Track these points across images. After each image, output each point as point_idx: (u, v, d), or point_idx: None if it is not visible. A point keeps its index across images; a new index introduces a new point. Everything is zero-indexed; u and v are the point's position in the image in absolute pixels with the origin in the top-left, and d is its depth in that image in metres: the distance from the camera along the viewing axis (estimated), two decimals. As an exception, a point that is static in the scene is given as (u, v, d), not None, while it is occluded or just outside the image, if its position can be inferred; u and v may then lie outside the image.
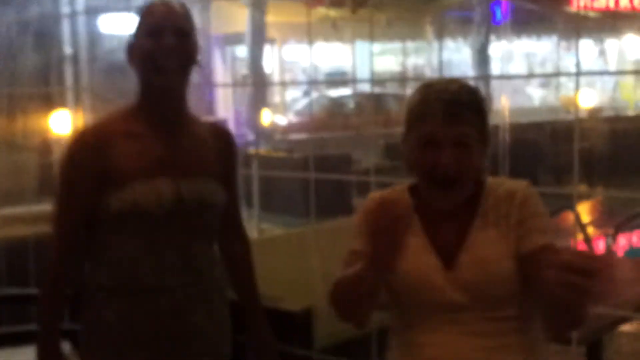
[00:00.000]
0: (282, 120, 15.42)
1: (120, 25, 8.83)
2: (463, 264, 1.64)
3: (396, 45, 18.36)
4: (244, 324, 2.11)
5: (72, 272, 1.89)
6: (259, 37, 13.40)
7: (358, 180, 8.78)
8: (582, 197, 7.74)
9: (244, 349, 2.12)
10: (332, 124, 13.82)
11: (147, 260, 1.82)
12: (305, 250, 3.15)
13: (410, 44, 18.88)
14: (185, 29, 1.86)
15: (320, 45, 16.12)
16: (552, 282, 1.26)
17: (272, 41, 15.87)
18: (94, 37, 10.46)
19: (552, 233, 1.64)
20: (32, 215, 3.91)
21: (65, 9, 10.06)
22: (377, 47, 15.47)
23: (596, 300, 1.32)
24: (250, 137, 13.17)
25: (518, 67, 18.32)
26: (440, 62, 17.07)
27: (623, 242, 5.90)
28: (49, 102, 8.06)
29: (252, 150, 10.05)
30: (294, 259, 3.11)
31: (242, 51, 15.33)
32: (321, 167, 3.15)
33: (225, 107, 15.52)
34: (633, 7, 17.43)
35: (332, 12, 15.06)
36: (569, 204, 4.79)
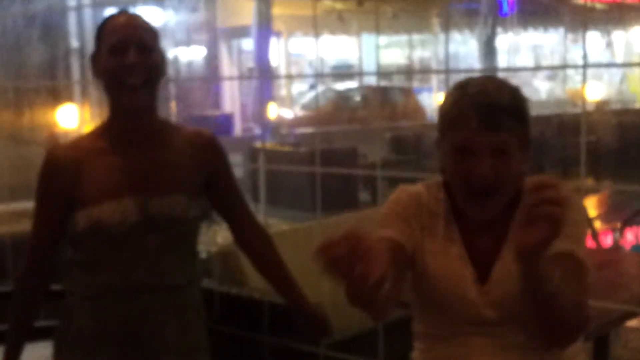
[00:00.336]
0: (288, 113, 15.41)
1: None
2: (496, 278, 1.55)
3: (402, 37, 18.32)
4: (290, 310, 2.12)
5: (42, 281, 1.94)
6: (265, 30, 13.38)
7: (365, 174, 8.80)
8: (590, 191, 7.72)
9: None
10: (339, 117, 13.81)
11: (118, 276, 1.85)
12: (312, 245, 3.14)
13: (416, 37, 18.84)
14: (149, 44, 1.83)
15: (326, 38, 16.10)
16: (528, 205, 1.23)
17: (278, 34, 15.85)
18: (101, 31, 10.44)
19: (580, 243, 1.53)
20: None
21: (71, 2, 10.05)
22: (383, 39, 15.44)
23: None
24: (257, 130, 13.18)
25: (525, 59, 18.26)
26: (447, 55, 17.02)
27: (630, 236, 5.88)
28: (56, 95, 8.07)
29: (258, 144, 10.06)
30: (301, 253, 3.10)
31: (248, 44, 15.31)
32: (328, 161, 3.15)
33: (231, 100, 15.52)
34: (640, -1, 17.35)
35: (338, 5, 15.03)
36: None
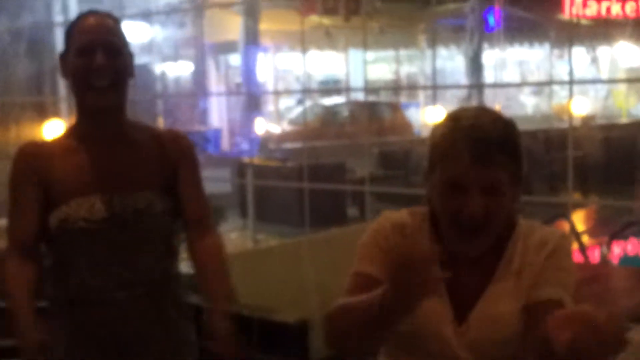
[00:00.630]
0: (275, 128, 15.41)
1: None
2: (475, 320, 1.48)
3: (389, 53, 18.39)
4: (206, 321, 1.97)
5: (34, 265, 1.88)
6: (252, 46, 13.40)
7: (353, 189, 8.80)
8: (577, 206, 7.75)
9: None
10: (326, 132, 13.82)
11: (92, 275, 1.85)
12: (301, 260, 3.14)
13: (403, 52, 18.92)
14: (117, 46, 1.86)
15: (313, 54, 16.13)
16: (551, 340, 1.14)
17: (265, 49, 15.88)
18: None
19: (569, 291, 1.47)
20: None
21: (58, 18, 10.04)
22: (370, 55, 15.48)
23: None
24: (244, 146, 13.16)
25: (511, 75, 18.36)
26: (434, 70, 17.12)
27: (617, 250, 5.90)
28: (42, 111, 8.05)
29: (246, 159, 10.04)
30: (290, 269, 3.10)
31: (235, 59, 15.32)
32: (315, 176, 3.16)
33: (219, 115, 15.51)
34: (625, 15, 17.51)
35: (325, 20, 15.08)
36: (563, 212, 4.80)
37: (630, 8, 17.31)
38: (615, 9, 17.31)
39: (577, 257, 4.66)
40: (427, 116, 14.26)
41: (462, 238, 1.46)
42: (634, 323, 2.63)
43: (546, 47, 18.81)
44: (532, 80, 18.44)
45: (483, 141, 1.41)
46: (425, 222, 1.55)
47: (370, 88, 12.82)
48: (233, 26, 13.83)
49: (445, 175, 1.44)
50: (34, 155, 1.90)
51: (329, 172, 8.54)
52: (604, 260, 4.76)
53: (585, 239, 6.67)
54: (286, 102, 17.32)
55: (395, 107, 16.12)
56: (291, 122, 15.68)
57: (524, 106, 18.96)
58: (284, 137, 14.39)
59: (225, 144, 14.59)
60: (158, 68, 13.17)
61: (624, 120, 17.95)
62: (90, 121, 1.91)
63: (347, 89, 16.11)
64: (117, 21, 1.91)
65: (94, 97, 1.85)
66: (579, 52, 18.34)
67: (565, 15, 16.62)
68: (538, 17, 16.49)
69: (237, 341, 1.93)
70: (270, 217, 8.21)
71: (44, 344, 1.79)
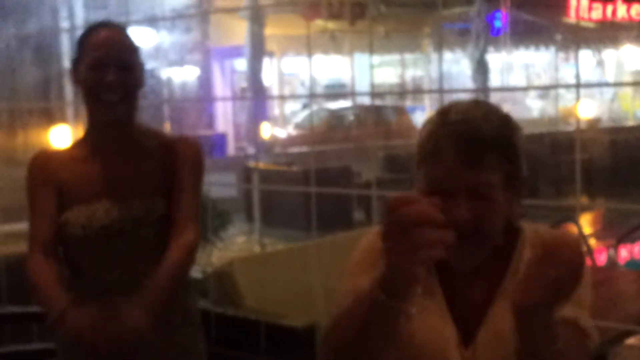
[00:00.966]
0: (281, 133, 15.43)
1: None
2: (482, 341, 1.30)
3: (395, 57, 18.40)
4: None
5: (55, 264, 1.90)
6: (258, 50, 13.42)
7: (359, 193, 8.80)
8: (584, 209, 7.73)
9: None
10: (332, 136, 13.83)
11: (93, 279, 1.89)
12: (307, 264, 3.14)
13: (408, 56, 18.93)
14: (128, 62, 1.89)
15: (319, 58, 16.15)
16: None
17: (271, 54, 15.90)
18: (94, 52, 10.48)
19: (585, 309, 1.29)
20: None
21: (64, 24, 10.08)
22: (375, 59, 15.51)
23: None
24: (250, 150, 13.17)
25: (517, 78, 18.35)
26: (440, 74, 17.13)
27: (625, 253, 5.89)
28: (49, 116, 8.07)
29: (252, 163, 10.05)
30: (296, 274, 3.10)
31: (241, 64, 15.34)
32: (322, 180, 3.15)
33: (224, 120, 15.53)
34: (630, 18, 17.49)
35: (331, 25, 15.10)
36: (570, 215, 4.79)
37: (635, 11, 17.29)
38: (621, 12, 17.29)
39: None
40: (433, 120, 14.21)
41: (453, 249, 1.20)
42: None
43: (552, 50, 18.80)
44: (538, 83, 18.40)
45: (470, 139, 1.23)
46: None
47: (375, 92, 12.82)
48: (239, 31, 13.85)
49: (429, 177, 1.27)
50: (46, 162, 1.95)
51: (335, 176, 8.54)
52: (611, 263, 4.75)
53: (592, 242, 6.66)
54: (292, 106, 17.33)
55: (401, 111, 16.12)
56: (297, 126, 15.69)
57: (530, 109, 18.94)
58: (290, 141, 14.40)
59: (231, 148, 14.61)
60: (164, 73, 13.20)
61: (630, 123, 17.91)
62: (100, 132, 1.95)
63: (353, 93, 16.12)
64: (128, 34, 1.94)
65: (104, 111, 1.89)
66: (585, 55, 18.33)
67: (571, 19, 16.61)
68: (544, 21, 16.48)
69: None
70: (276, 221, 8.22)
71: (70, 312, 1.78)
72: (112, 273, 1.88)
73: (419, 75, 19.18)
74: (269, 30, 13.74)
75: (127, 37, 1.93)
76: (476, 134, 1.24)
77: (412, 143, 1.38)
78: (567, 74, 18.02)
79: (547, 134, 12.69)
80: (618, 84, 19.67)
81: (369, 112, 13.51)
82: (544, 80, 19.06)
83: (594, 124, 14.66)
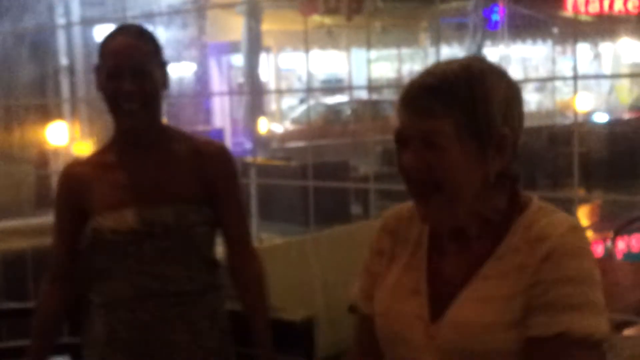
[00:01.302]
0: (278, 128, 15.43)
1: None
2: (450, 320, 1.22)
3: (392, 51, 18.40)
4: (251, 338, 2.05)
5: (65, 292, 1.98)
6: (254, 46, 13.40)
7: (357, 187, 8.80)
8: (581, 201, 7.73)
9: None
10: (329, 131, 13.82)
11: (122, 284, 1.90)
12: (305, 259, 3.14)
13: (405, 51, 18.92)
14: (146, 69, 1.84)
15: (316, 53, 16.14)
16: None
17: (267, 49, 15.89)
18: (90, 48, 10.46)
19: (592, 307, 1.13)
20: (29, 228, 3.89)
21: (60, 20, 10.07)
22: (372, 54, 15.49)
23: None
24: (247, 145, 13.17)
25: (514, 71, 18.35)
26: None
27: (622, 245, 5.90)
28: (46, 113, 8.06)
29: (249, 158, 10.05)
30: (294, 268, 3.10)
31: (238, 60, 15.34)
32: (319, 175, 3.15)
33: (221, 115, 15.52)
34: (627, 11, 17.49)
35: (328, 20, 15.08)
36: (567, 208, 4.80)
37: (632, 4, 17.28)
38: (618, 5, 17.29)
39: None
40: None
41: (415, 202, 1.24)
42: (639, 317, 2.64)
43: (549, 44, 18.80)
44: (535, 77, 18.42)
45: (418, 88, 1.22)
46: None
47: (373, 86, 12.81)
48: (235, 27, 13.84)
49: (393, 130, 1.25)
50: (75, 178, 1.95)
51: (333, 170, 8.55)
52: (609, 255, 4.76)
53: (590, 234, 6.67)
54: (289, 101, 17.33)
55: (398, 106, 16.11)
56: (294, 121, 15.69)
57: (528, 103, 18.94)
58: (287, 136, 14.39)
59: (228, 143, 14.60)
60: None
61: (627, 115, 17.92)
62: (124, 138, 1.93)
63: (350, 88, 16.10)
64: (147, 38, 1.89)
65: (124, 119, 1.87)
66: (582, 49, 18.32)
67: (568, 12, 16.61)
68: (541, 14, 16.47)
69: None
70: (274, 215, 8.22)
71: None
72: (140, 278, 1.88)
73: (416, 69, 19.08)
74: (265, 26, 13.73)
75: (143, 42, 1.88)
76: (424, 83, 1.22)
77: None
78: (564, 67, 18.01)
79: (544, 127, 12.71)
80: (615, 76, 19.67)
81: (366, 107, 13.50)
82: (542, 73, 19.08)
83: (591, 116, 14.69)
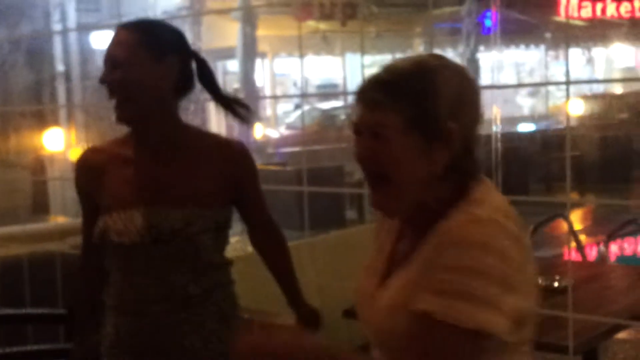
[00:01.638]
0: (274, 133, 15.45)
1: (111, 42, 8.83)
2: (376, 301, 1.32)
3: (386, 57, 18.41)
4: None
5: (92, 283, 1.98)
6: (250, 51, 13.43)
7: (352, 192, 8.83)
8: (574, 205, 7.77)
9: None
10: (324, 136, 13.85)
11: (128, 287, 1.88)
12: (300, 263, 3.15)
13: (399, 56, 18.94)
14: (118, 60, 1.81)
15: (310, 58, 16.17)
16: None
17: (263, 55, 15.91)
18: (86, 54, 10.47)
19: (460, 300, 1.14)
20: (26, 234, 3.88)
21: (56, 27, 10.07)
22: (367, 59, 15.49)
23: None
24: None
25: (507, 77, 18.41)
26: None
27: (615, 248, 5.93)
28: (42, 119, 8.07)
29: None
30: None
31: (233, 65, 15.35)
32: (314, 180, 3.17)
33: (217, 121, 15.53)
34: (620, 16, 17.56)
35: (322, 25, 15.12)
36: (560, 212, 4.83)
37: (625, 9, 17.36)
38: (610, 10, 17.36)
39: (575, 256, 4.69)
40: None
41: (369, 191, 1.31)
42: (633, 321, 2.67)
43: (542, 48, 18.86)
44: (528, 81, 18.48)
45: (370, 81, 1.28)
46: None
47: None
48: (231, 32, 13.86)
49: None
50: (90, 168, 1.92)
51: (328, 175, 8.57)
52: (602, 259, 4.79)
53: (583, 237, 6.70)
54: (284, 106, 17.35)
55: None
56: (289, 126, 15.71)
57: (521, 107, 19.01)
58: (282, 141, 14.41)
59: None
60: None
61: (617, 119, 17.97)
62: (135, 132, 1.90)
63: (345, 93, 16.12)
64: (141, 29, 1.86)
65: (114, 111, 1.84)
66: (575, 53, 18.39)
67: (561, 17, 16.67)
68: (534, 19, 16.54)
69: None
70: (269, 221, 8.23)
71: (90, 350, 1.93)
72: (146, 282, 1.85)
73: (410, 74, 19.20)
74: (260, 32, 13.75)
75: (132, 33, 1.84)
76: (377, 77, 1.28)
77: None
78: (557, 72, 18.07)
79: (537, 132, 12.75)
80: (607, 80, 19.73)
81: (361, 112, 13.52)
82: (535, 78, 19.14)
83: (583, 121, 14.73)
